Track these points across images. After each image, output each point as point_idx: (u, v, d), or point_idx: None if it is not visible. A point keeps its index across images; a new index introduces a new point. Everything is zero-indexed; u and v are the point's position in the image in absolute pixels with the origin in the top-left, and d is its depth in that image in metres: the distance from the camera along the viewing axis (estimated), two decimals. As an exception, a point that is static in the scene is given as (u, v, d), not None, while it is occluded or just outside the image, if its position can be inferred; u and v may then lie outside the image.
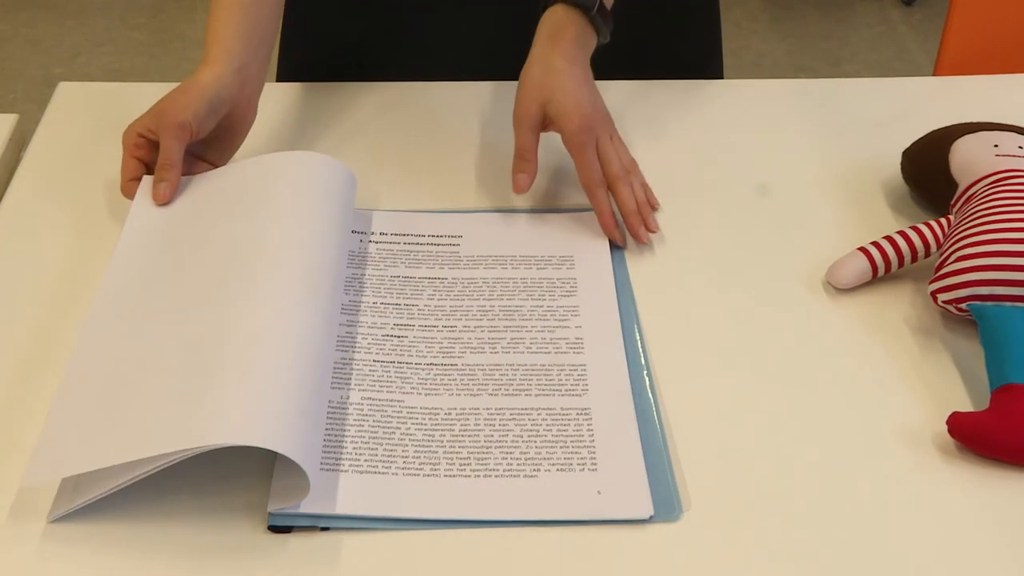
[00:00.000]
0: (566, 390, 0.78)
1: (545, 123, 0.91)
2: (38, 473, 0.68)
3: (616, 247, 0.90)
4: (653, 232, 0.91)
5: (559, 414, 0.76)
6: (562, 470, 0.72)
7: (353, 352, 0.79)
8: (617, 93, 1.08)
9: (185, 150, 0.89)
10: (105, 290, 0.81)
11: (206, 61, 0.90)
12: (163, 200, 0.87)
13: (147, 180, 0.89)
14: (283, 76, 1.16)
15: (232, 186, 0.88)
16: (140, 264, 0.82)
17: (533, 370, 0.79)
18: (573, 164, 0.91)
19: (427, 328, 0.82)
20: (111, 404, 0.71)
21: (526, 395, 0.77)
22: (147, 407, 0.70)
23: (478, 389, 0.77)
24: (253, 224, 0.83)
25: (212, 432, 0.66)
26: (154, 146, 0.89)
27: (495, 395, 0.77)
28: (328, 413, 0.75)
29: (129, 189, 0.89)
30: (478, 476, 0.72)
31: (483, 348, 0.80)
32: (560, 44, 0.92)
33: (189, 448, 0.66)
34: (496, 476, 0.72)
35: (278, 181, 0.87)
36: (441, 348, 0.80)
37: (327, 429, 0.73)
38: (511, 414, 0.76)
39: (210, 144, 0.92)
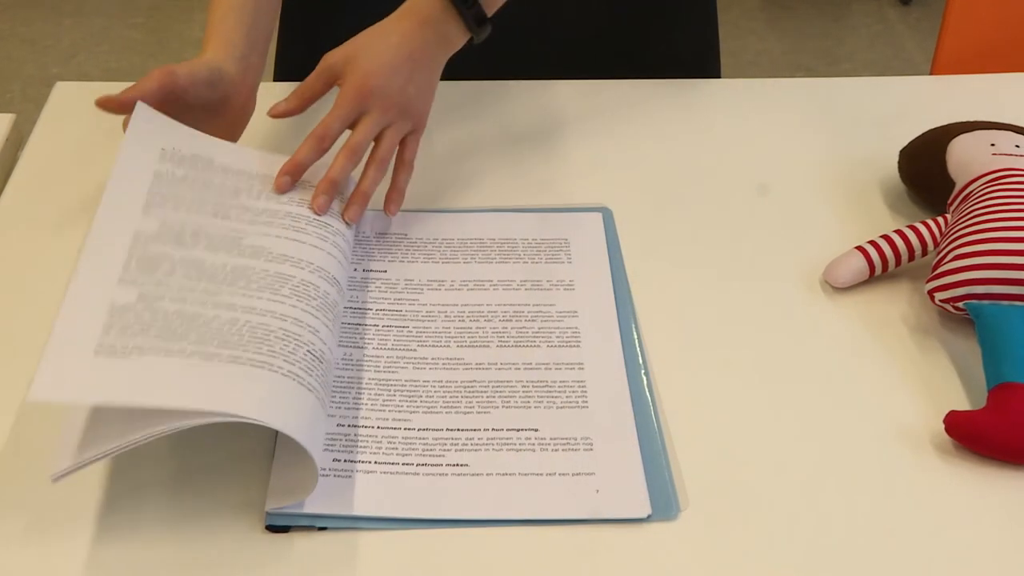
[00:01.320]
0: (566, 391, 0.78)
1: (340, 80, 0.88)
2: (49, 391, 0.65)
3: (614, 245, 0.90)
4: (319, 210, 0.84)
5: (557, 413, 0.76)
6: (561, 470, 0.72)
7: (352, 371, 0.79)
8: (614, 92, 1.08)
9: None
10: (104, 222, 0.78)
11: (206, 49, 0.90)
12: (104, 105, 0.84)
13: (142, 111, 0.85)
14: (281, 76, 1.16)
15: (240, 169, 0.87)
16: (144, 209, 0.80)
17: (533, 371, 0.79)
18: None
19: (434, 347, 0.81)
20: (127, 344, 0.69)
21: (524, 400, 0.77)
22: (173, 360, 0.68)
23: (481, 405, 0.77)
24: (269, 217, 0.82)
25: (252, 407, 0.65)
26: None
27: (497, 408, 0.76)
28: (328, 413, 0.75)
29: (126, 95, 0.86)
30: (477, 476, 0.72)
31: (484, 363, 0.80)
32: (406, 19, 0.88)
33: (225, 414, 0.65)
34: (495, 476, 0.72)
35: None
36: (445, 365, 0.80)
37: (327, 428, 0.74)
38: (512, 415, 0.76)
39: (210, 133, 0.91)
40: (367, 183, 0.87)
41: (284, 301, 0.75)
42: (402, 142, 0.90)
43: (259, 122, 0.95)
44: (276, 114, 0.89)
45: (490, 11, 0.90)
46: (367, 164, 0.87)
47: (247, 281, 0.76)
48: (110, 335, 0.69)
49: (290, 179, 0.86)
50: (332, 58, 0.88)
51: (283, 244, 0.80)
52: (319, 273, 0.78)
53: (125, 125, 0.86)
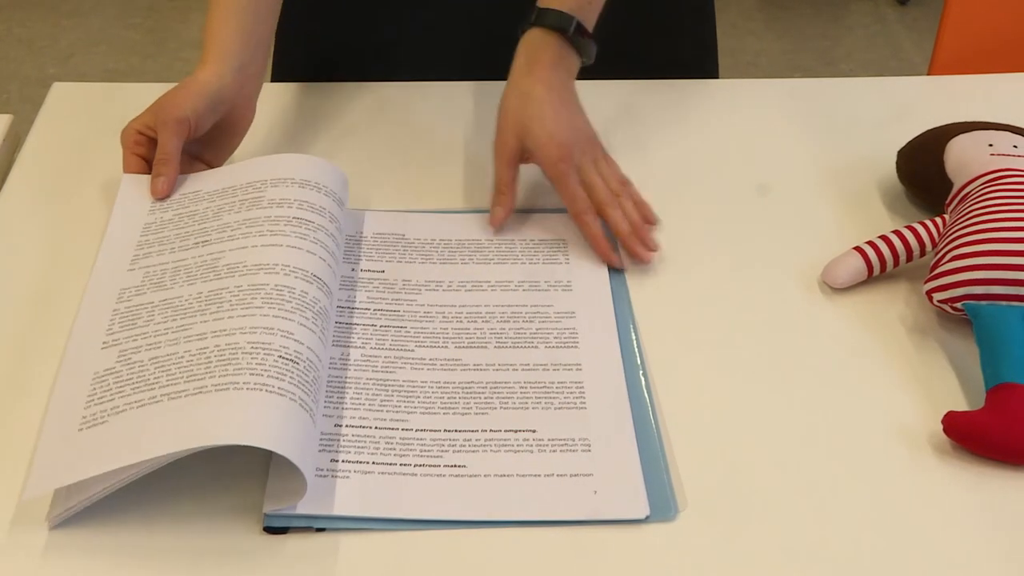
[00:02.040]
0: (564, 392, 0.78)
1: (525, 156, 0.91)
2: (39, 484, 0.67)
3: (611, 246, 0.90)
4: (653, 251, 0.89)
5: (555, 414, 0.76)
6: (559, 471, 0.72)
7: (350, 371, 0.79)
8: (612, 93, 1.08)
9: (183, 149, 0.89)
10: (93, 292, 0.81)
11: (205, 61, 0.90)
12: (161, 195, 0.87)
13: (127, 179, 0.89)
14: (277, 76, 1.16)
15: (224, 187, 0.88)
16: (130, 264, 0.83)
17: (530, 372, 0.79)
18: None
19: (432, 348, 0.81)
20: (106, 408, 0.70)
21: (522, 401, 0.77)
22: (144, 410, 0.69)
23: (479, 406, 0.77)
24: (247, 228, 0.83)
25: (211, 432, 0.66)
26: (154, 143, 0.89)
27: (495, 409, 0.76)
28: (325, 413, 0.74)
29: (164, 169, 0.89)
30: (475, 477, 0.72)
31: (482, 364, 0.80)
32: (536, 70, 0.91)
33: (188, 449, 0.66)
34: (493, 477, 0.72)
35: (271, 183, 0.87)
36: (443, 366, 0.79)
37: (324, 429, 0.73)
38: (509, 414, 0.76)
39: (208, 144, 0.92)
40: (644, 212, 0.91)
41: (255, 313, 0.74)
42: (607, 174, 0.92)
43: (254, 126, 0.95)
44: (497, 224, 0.90)
45: (591, 28, 0.93)
46: (613, 206, 0.89)
47: (219, 304, 0.76)
48: (91, 406, 0.71)
49: (612, 250, 0.89)
50: (505, 143, 0.90)
51: (259, 253, 0.80)
52: (296, 274, 0.78)
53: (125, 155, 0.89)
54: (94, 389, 0.72)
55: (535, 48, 0.92)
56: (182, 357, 0.72)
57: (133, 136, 0.89)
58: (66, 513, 0.68)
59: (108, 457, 0.67)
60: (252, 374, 0.70)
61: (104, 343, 0.76)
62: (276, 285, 0.77)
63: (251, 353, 0.71)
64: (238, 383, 0.69)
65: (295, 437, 0.68)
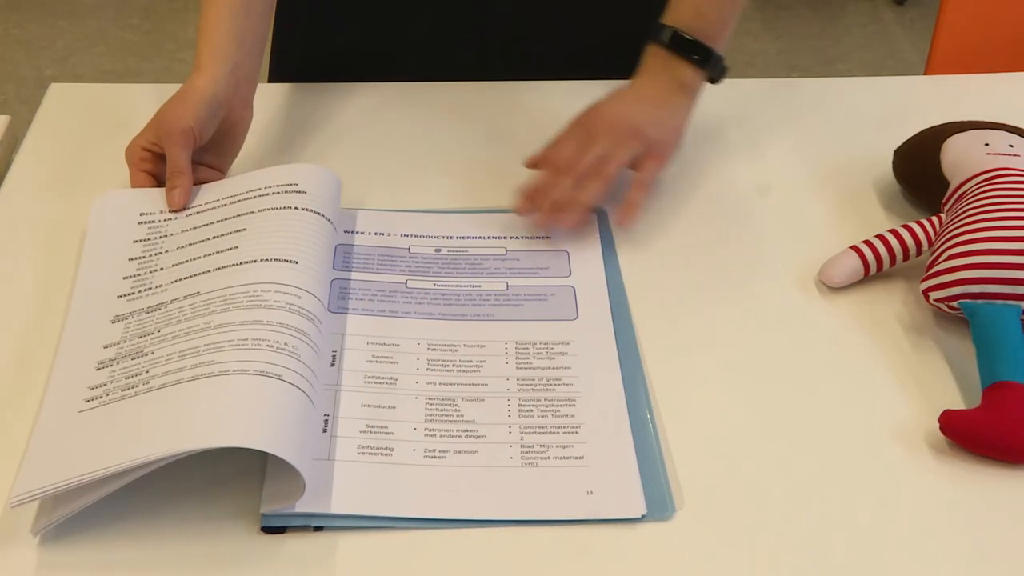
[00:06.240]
0: (561, 391, 0.78)
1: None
2: (26, 486, 0.66)
3: (608, 245, 0.90)
4: (567, 226, 0.89)
5: (551, 411, 0.76)
6: (556, 470, 0.72)
7: (353, 371, 0.79)
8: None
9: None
10: (80, 298, 0.81)
11: (198, 66, 0.90)
12: (177, 206, 0.87)
13: (98, 200, 0.89)
14: (275, 77, 1.16)
15: (214, 199, 0.88)
16: (119, 271, 0.82)
17: (527, 371, 0.79)
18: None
19: (420, 345, 0.81)
20: (96, 412, 0.70)
21: (519, 400, 0.77)
22: (136, 412, 0.69)
23: (476, 406, 0.77)
24: (241, 232, 0.83)
25: (204, 435, 0.66)
26: (159, 158, 0.89)
27: (492, 409, 0.76)
28: (322, 413, 0.75)
29: (178, 181, 0.89)
30: (472, 476, 0.72)
31: (478, 363, 0.80)
32: (636, 80, 0.93)
33: (181, 452, 0.66)
34: (490, 476, 0.72)
35: (260, 193, 0.87)
36: (428, 381, 0.79)
37: (321, 427, 0.74)
38: (506, 413, 0.76)
39: (210, 150, 0.91)
40: (584, 194, 0.89)
41: (249, 308, 0.75)
42: (641, 166, 0.91)
43: (256, 125, 0.95)
44: (532, 164, 0.91)
45: (717, 44, 0.94)
46: (591, 177, 0.89)
47: (215, 303, 0.76)
48: (92, 392, 0.72)
49: (531, 203, 0.89)
50: (578, 118, 0.92)
51: (251, 262, 0.79)
52: (288, 276, 0.78)
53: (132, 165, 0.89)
54: (94, 377, 0.72)
55: (656, 67, 0.93)
56: (182, 340, 0.73)
57: (138, 153, 0.89)
58: (52, 523, 0.67)
59: (105, 455, 0.66)
60: (247, 353, 0.70)
61: (101, 339, 0.76)
62: (268, 288, 0.77)
63: (247, 339, 0.72)
64: (238, 366, 0.70)
65: (291, 436, 0.68)
